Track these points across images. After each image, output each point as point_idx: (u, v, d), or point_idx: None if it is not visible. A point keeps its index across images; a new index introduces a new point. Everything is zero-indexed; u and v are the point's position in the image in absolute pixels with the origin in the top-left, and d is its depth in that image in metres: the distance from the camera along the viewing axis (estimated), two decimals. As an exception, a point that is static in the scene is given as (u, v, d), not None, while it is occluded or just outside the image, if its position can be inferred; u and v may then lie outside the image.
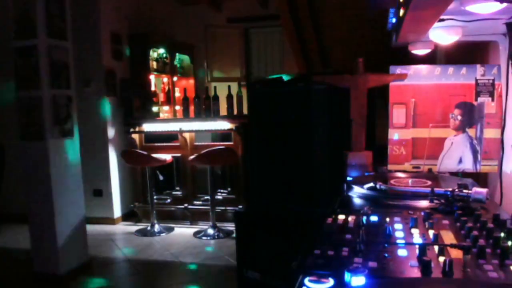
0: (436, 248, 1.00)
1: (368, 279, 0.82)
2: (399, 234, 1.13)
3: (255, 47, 6.79)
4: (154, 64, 5.66)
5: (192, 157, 4.38)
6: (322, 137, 2.66)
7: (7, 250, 4.28)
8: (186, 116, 5.08)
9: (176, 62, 6.21)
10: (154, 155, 4.48)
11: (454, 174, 2.05)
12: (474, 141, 2.04)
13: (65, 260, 3.45)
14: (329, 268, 0.91)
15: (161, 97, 5.94)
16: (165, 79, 6.11)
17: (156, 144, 5.07)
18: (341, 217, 1.27)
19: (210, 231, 4.51)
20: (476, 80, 2.04)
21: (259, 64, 6.80)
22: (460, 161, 2.06)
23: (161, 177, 5.29)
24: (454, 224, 1.20)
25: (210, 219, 4.56)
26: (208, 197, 4.64)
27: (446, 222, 1.22)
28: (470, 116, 2.05)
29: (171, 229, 4.76)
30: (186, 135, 4.87)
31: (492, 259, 0.94)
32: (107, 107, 4.94)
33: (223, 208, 4.78)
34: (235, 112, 4.78)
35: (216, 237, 4.45)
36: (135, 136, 5.02)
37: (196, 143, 4.94)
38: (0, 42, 4.58)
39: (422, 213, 1.26)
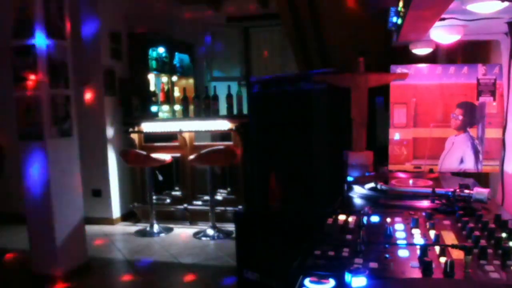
0: (437, 248, 0.99)
1: (369, 280, 0.82)
2: (400, 234, 1.12)
3: (255, 47, 6.79)
4: (153, 64, 5.66)
5: (191, 157, 4.37)
6: (322, 137, 2.65)
7: (6, 250, 4.26)
8: (185, 116, 5.07)
9: (175, 62, 6.21)
10: (154, 155, 4.47)
11: (455, 174, 2.04)
12: (475, 141, 2.03)
13: (64, 260, 3.44)
14: (329, 268, 0.90)
15: (161, 96, 5.93)
16: (165, 79, 6.10)
17: (155, 144, 5.06)
18: (342, 217, 1.26)
19: (210, 232, 4.50)
20: (478, 79, 2.03)
21: (259, 64, 6.79)
22: (462, 161, 2.05)
23: (160, 177, 5.28)
24: (456, 224, 1.19)
25: (210, 219, 4.55)
26: (208, 197, 4.63)
27: (447, 222, 1.21)
28: (472, 115, 2.04)
29: (171, 229, 4.75)
30: (186, 135, 4.87)
31: (494, 260, 0.93)
32: (106, 107, 4.93)
33: (223, 208, 4.77)
34: (235, 112, 4.78)
35: (215, 237, 4.44)
36: (134, 136, 5.01)
37: (196, 143, 4.93)
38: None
39: (423, 214, 1.26)
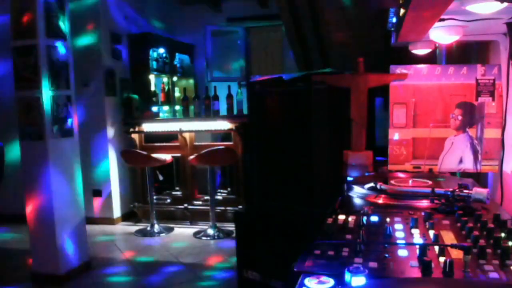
0: (436, 248, 0.99)
1: (369, 279, 0.82)
2: (399, 234, 1.12)
3: (255, 47, 6.79)
4: (154, 64, 5.66)
5: (192, 157, 4.38)
6: (322, 137, 2.66)
7: (7, 250, 4.27)
8: (186, 116, 5.08)
9: (176, 62, 6.21)
10: (154, 155, 4.47)
11: (454, 174, 2.05)
12: (474, 141, 2.04)
13: (65, 260, 3.44)
14: (329, 268, 0.91)
15: (161, 97, 5.94)
16: (165, 79, 6.11)
17: (156, 144, 5.06)
18: (342, 217, 1.26)
19: (210, 231, 4.51)
20: (477, 80, 2.03)
21: (259, 64, 6.79)
22: (461, 161, 2.05)
23: (161, 177, 5.28)
24: (455, 224, 1.20)
25: (210, 219, 4.56)
26: (208, 197, 4.63)
27: (446, 222, 1.22)
28: (471, 116, 2.04)
29: (171, 229, 4.75)
30: (186, 135, 4.87)
31: (493, 259, 0.94)
32: (106, 107, 4.94)
33: (223, 208, 4.78)
34: (235, 112, 4.78)
35: (216, 237, 4.44)
36: (135, 136, 5.02)
37: (196, 143, 4.93)
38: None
39: (423, 213, 1.26)
